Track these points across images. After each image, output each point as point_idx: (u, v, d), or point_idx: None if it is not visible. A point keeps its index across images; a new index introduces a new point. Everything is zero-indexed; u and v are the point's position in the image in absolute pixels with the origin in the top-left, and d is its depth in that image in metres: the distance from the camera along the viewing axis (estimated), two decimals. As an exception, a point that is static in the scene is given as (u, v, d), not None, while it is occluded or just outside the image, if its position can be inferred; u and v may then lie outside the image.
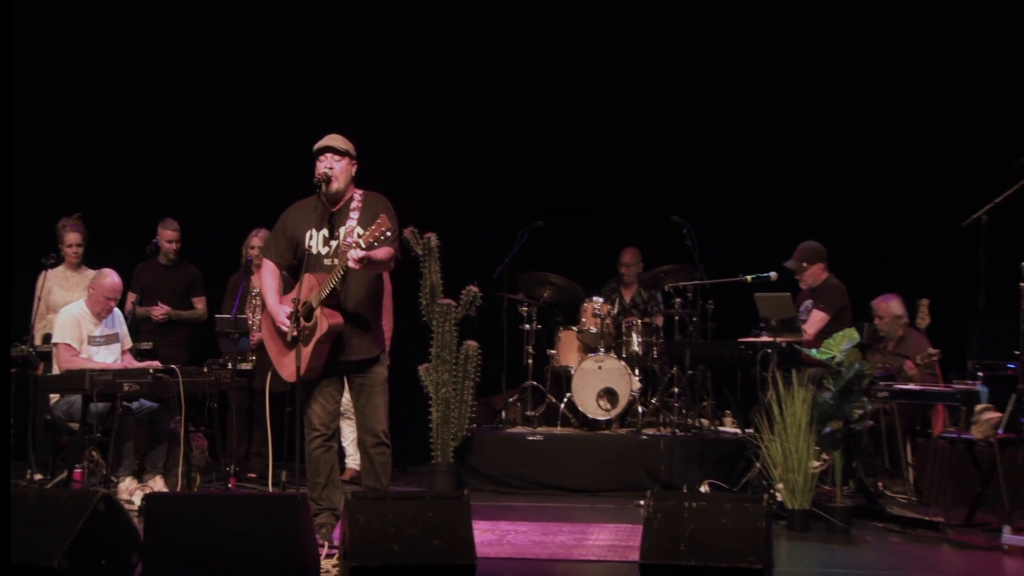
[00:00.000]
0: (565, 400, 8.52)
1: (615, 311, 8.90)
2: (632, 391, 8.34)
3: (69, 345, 7.22)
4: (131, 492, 7.05)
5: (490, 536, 6.17)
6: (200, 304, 8.62)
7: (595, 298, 8.74)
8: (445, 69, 9.89)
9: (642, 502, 5.06)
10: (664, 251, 8.88)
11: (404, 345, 6.80)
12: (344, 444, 7.83)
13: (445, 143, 9.73)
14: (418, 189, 8.20)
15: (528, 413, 8.60)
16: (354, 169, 5.72)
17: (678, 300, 8.49)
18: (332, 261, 5.59)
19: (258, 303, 7.84)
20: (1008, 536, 5.99)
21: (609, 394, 8.32)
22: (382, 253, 5.44)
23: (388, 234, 5.33)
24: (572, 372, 8.47)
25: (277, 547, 4.75)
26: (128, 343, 7.60)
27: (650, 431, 8.29)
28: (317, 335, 5.49)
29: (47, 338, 7.65)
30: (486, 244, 9.11)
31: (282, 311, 5.61)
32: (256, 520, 4.84)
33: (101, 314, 7.36)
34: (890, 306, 8.13)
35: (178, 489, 7.05)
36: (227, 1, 9.65)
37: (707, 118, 9.73)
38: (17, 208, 6.36)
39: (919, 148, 9.18)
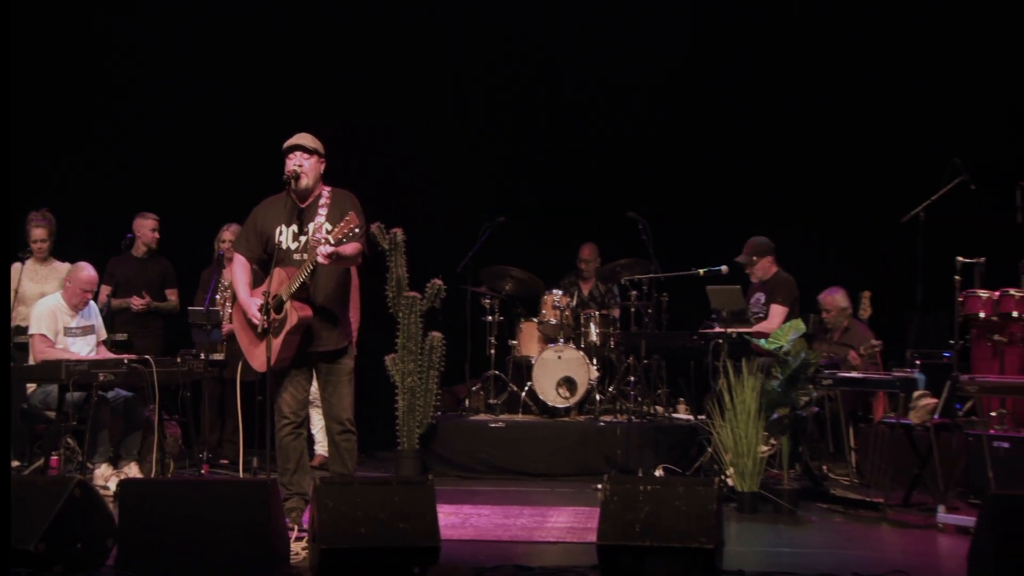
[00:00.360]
0: (526, 389, 8.61)
1: (574, 303, 8.98)
2: (590, 380, 8.44)
3: (44, 336, 7.22)
4: (106, 478, 7.07)
5: (454, 519, 6.24)
6: (173, 296, 8.61)
7: (555, 291, 8.86)
8: (411, 69, 9.86)
9: (599, 486, 5.12)
10: (620, 246, 9.03)
11: (371, 336, 6.77)
12: (313, 431, 7.87)
13: (409, 143, 9.75)
14: (384, 186, 8.25)
15: (491, 401, 8.69)
16: (322, 167, 5.76)
17: (634, 293, 8.63)
18: (301, 256, 5.63)
19: (229, 295, 7.79)
20: (943, 515, 6.16)
21: (568, 383, 8.44)
22: (350, 248, 5.50)
23: (356, 230, 5.41)
24: (533, 362, 8.57)
25: (248, 530, 4.80)
26: (103, 334, 7.61)
27: (607, 418, 8.38)
28: (287, 327, 5.54)
29: (19, 330, 7.64)
30: (450, 239, 9.17)
31: (253, 304, 5.65)
32: (228, 505, 4.89)
33: (78, 306, 7.37)
34: (836, 299, 8.32)
35: (152, 475, 7.04)
36: (227, 1, 9.65)
37: (661, 120, 9.86)
38: (17, 208, 6.40)
39: (861, 148, 9.35)
